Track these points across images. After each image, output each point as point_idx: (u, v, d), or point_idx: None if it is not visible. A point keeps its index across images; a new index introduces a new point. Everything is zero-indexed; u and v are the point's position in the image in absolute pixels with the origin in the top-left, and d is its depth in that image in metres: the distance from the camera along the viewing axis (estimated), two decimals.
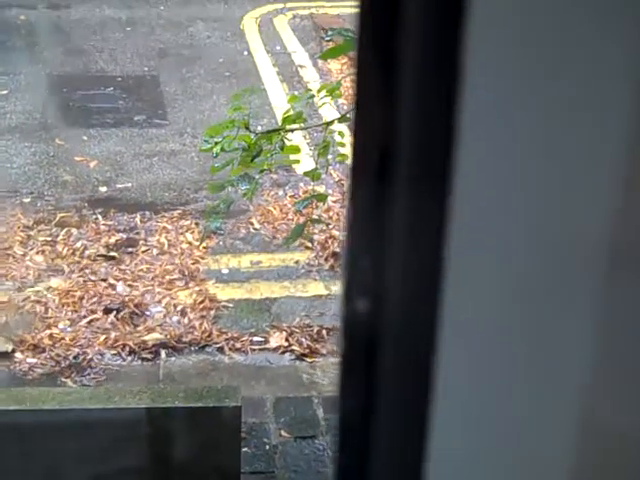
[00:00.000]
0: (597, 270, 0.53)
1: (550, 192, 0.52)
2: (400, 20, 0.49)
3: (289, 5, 8.77)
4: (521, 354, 0.56)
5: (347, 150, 4.10)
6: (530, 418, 0.57)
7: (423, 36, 0.50)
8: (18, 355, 4.19)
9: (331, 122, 3.17)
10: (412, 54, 0.50)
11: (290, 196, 5.54)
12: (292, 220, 5.26)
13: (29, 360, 4.17)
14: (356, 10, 0.51)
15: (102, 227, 5.17)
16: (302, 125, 3.27)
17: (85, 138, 6.06)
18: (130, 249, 5.00)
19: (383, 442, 0.58)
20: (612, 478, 0.59)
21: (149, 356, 4.22)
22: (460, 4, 0.48)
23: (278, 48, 7.90)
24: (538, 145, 0.51)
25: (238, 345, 4.29)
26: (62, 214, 5.25)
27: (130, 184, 5.66)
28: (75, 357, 4.17)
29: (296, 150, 3.25)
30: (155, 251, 4.99)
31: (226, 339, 4.33)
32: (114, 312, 4.46)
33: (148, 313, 4.50)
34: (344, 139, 3.65)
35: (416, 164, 0.52)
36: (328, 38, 5.47)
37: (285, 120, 3.18)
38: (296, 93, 6.59)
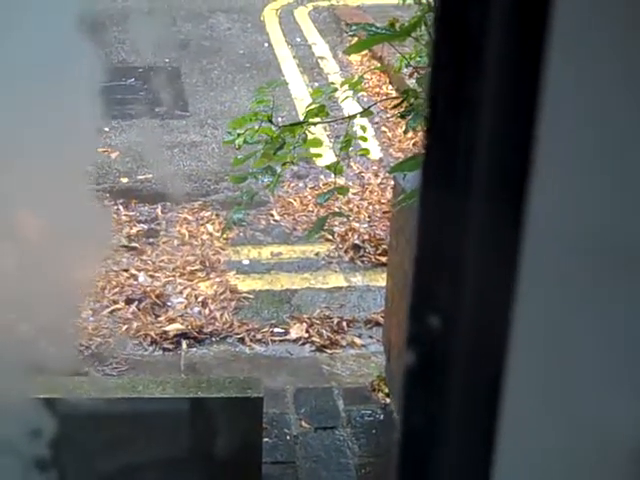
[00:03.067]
0: None
1: (627, 220, 0.53)
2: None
3: None
4: (593, 379, 0.57)
5: (368, 144, 4.12)
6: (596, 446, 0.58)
7: (503, 44, 0.51)
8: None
9: (354, 116, 3.18)
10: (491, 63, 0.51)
11: (310, 188, 5.56)
12: (312, 212, 5.28)
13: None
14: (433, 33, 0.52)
15: (123, 218, 5.21)
16: (325, 118, 3.28)
17: (106, 129, 6.09)
18: (151, 240, 5.04)
19: (446, 458, 0.59)
20: None
21: (170, 346, 4.25)
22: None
23: (298, 40, 7.91)
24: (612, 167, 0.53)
25: (259, 336, 4.32)
26: None
27: (151, 175, 5.69)
28: (97, 347, 4.21)
29: (318, 144, 3.27)
30: (176, 242, 5.03)
31: (247, 330, 4.36)
32: (136, 302, 4.50)
33: (169, 304, 4.54)
34: (366, 133, 3.67)
35: (493, 176, 0.53)
36: (352, 33, 5.48)
37: (308, 113, 3.20)
38: (317, 85, 6.62)
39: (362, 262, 4.91)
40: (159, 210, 5.31)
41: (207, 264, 4.83)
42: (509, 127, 0.53)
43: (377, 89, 6.86)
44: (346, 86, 3.36)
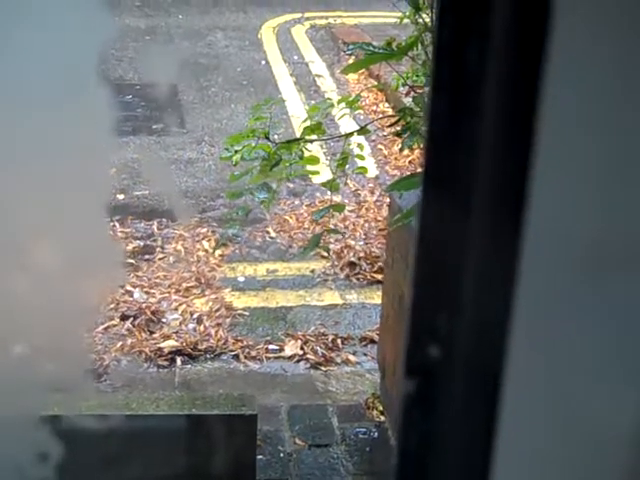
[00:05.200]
0: None
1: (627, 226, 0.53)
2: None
3: (307, 15, 8.82)
4: (595, 400, 0.57)
5: (365, 162, 4.12)
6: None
7: (503, 58, 0.51)
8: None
9: (350, 134, 3.19)
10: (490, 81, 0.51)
11: (306, 205, 5.56)
12: (308, 229, 5.28)
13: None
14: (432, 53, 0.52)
15: (119, 234, 5.20)
16: (321, 136, 3.29)
17: None
18: (147, 256, 5.03)
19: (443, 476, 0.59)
20: None
21: (165, 363, 4.24)
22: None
23: (296, 58, 7.94)
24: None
25: (253, 353, 4.31)
26: None
27: (147, 192, 5.69)
28: (92, 363, 4.20)
29: (315, 161, 3.27)
30: (172, 258, 5.02)
31: (242, 347, 4.35)
32: (131, 319, 4.49)
33: (164, 320, 4.53)
34: (362, 151, 3.67)
35: (493, 195, 0.53)
36: (349, 52, 5.50)
37: (304, 130, 3.21)
38: (314, 103, 6.63)
39: (357, 279, 4.91)
40: (155, 226, 5.31)
41: (202, 281, 4.83)
42: (508, 146, 0.53)
43: (374, 107, 6.88)
44: (343, 104, 3.38)
